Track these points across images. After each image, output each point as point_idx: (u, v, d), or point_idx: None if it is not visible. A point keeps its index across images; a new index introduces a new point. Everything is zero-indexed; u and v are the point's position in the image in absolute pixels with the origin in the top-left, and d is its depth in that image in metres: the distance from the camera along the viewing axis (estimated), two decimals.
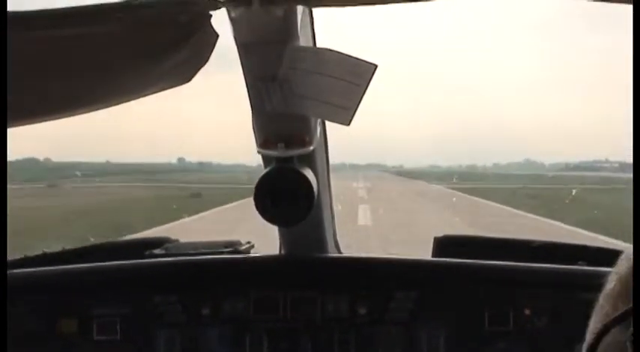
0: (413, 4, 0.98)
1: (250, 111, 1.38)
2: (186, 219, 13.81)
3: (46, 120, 1.21)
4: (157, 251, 2.11)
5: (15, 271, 2.00)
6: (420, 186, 29.74)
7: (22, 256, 2.15)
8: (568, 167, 40.47)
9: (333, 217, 2.09)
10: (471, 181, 31.19)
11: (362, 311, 1.94)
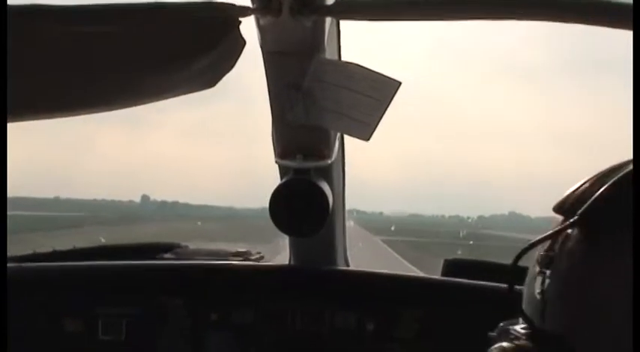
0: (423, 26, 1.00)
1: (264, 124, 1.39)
2: None
3: (68, 116, 1.22)
4: (166, 255, 2.11)
5: (24, 265, 2.01)
6: None
7: (32, 252, 2.17)
8: None
9: (344, 231, 2.08)
10: None
11: (369, 326, 1.93)
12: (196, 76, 1.11)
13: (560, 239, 0.68)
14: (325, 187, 1.48)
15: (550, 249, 0.69)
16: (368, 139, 1.24)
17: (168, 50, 1.04)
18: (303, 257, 2.04)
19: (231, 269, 2.07)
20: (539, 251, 0.70)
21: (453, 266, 2.12)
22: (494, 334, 0.77)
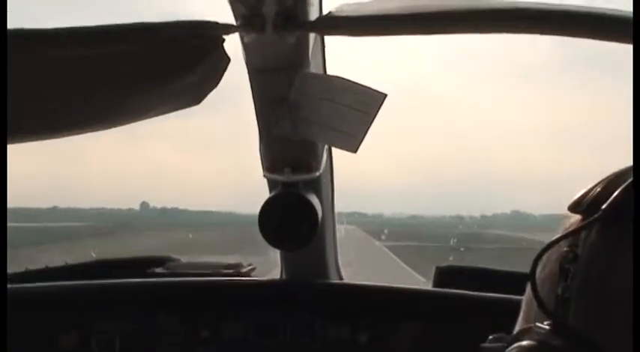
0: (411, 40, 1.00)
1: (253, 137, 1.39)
2: None
3: (53, 138, 1.22)
4: (158, 269, 2.11)
5: (17, 286, 2.00)
6: None
7: (24, 269, 2.16)
8: None
9: (335, 243, 2.08)
10: None
11: (362, 339, 1.93)
12: (181, 94, 1.11)
13: (582, 236, 0.67)
14: (314, 200, 1.48)
15: (574, 245, 0.67)
16: (355, 151, 1.24)
17: (152, 69, 1.05)
18: (295, 270, 2.04)
19: (224, 284, 2.07)
20: (559, 248, 0.68)
21: (445, 275, 2.11)
22: (487, 345, 0.76)
